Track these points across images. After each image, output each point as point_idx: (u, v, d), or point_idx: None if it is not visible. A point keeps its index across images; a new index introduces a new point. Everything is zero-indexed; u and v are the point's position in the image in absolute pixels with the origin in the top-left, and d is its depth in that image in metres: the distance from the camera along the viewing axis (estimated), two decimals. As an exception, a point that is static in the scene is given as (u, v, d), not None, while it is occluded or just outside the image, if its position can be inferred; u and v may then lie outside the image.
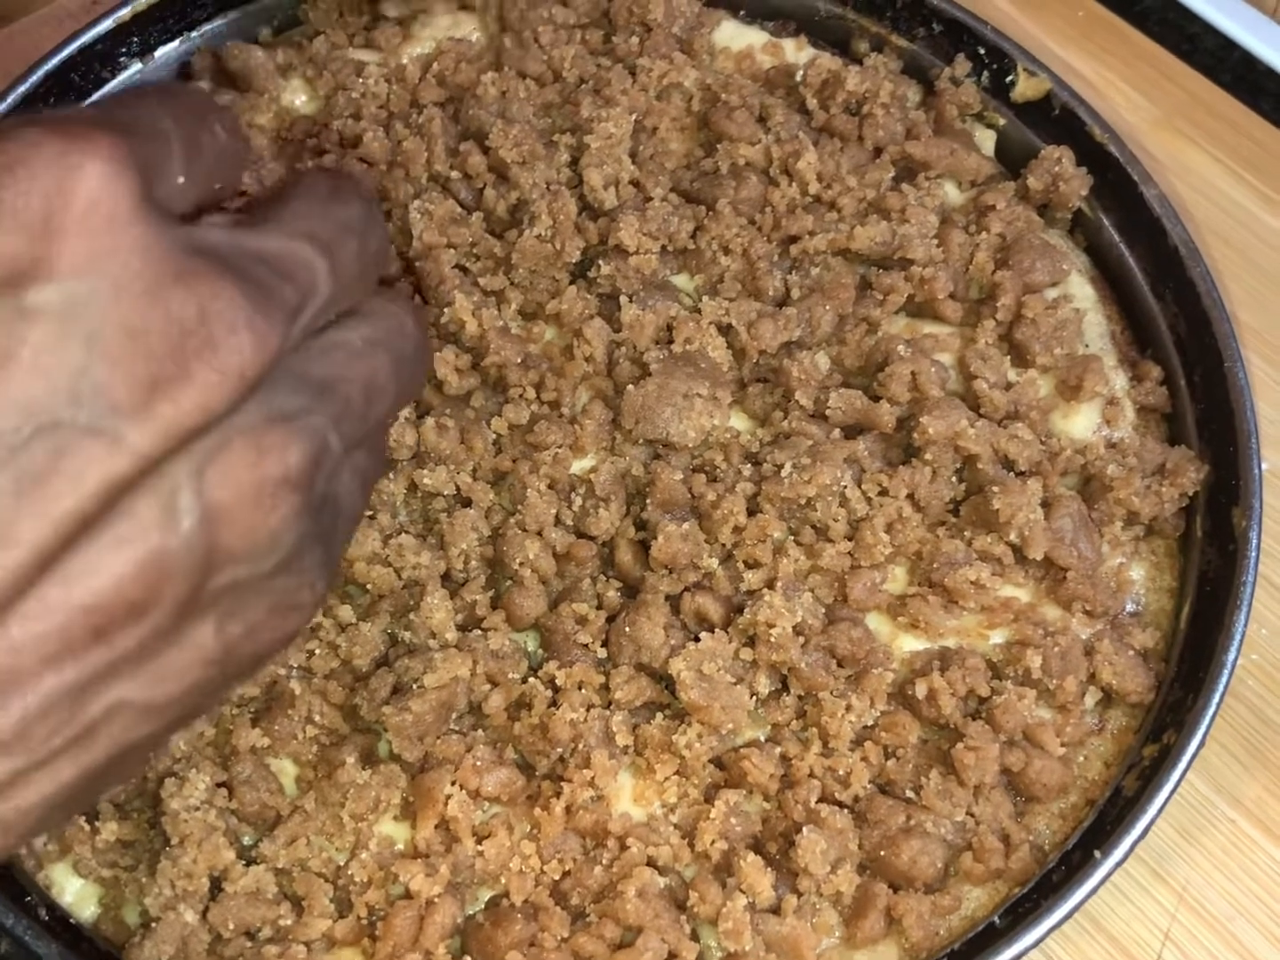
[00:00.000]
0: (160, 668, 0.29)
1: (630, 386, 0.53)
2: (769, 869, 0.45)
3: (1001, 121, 0.62)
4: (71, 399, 0.26)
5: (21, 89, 0.58)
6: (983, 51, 0.62)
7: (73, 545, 0.26)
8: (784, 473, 0.51)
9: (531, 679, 0.48)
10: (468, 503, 0.51)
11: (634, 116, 0.59)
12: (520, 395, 0.53)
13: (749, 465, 0.52)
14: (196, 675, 0.29)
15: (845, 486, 0.50)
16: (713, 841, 0.45)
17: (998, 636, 0.51)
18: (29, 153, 0.27)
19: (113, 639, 0.27)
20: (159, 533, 0.27)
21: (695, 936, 0.45)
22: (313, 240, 0.31)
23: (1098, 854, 0.45)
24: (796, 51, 0.64)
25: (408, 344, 0.33)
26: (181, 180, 0.30)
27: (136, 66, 0.62)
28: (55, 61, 0.59)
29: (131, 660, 0.28)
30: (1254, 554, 0.50)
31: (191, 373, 0.27)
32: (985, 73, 0.63)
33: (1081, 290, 0.58)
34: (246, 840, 0.47)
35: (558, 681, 0.48)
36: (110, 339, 0.27)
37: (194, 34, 0.63)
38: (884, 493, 0.51)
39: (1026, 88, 0.61)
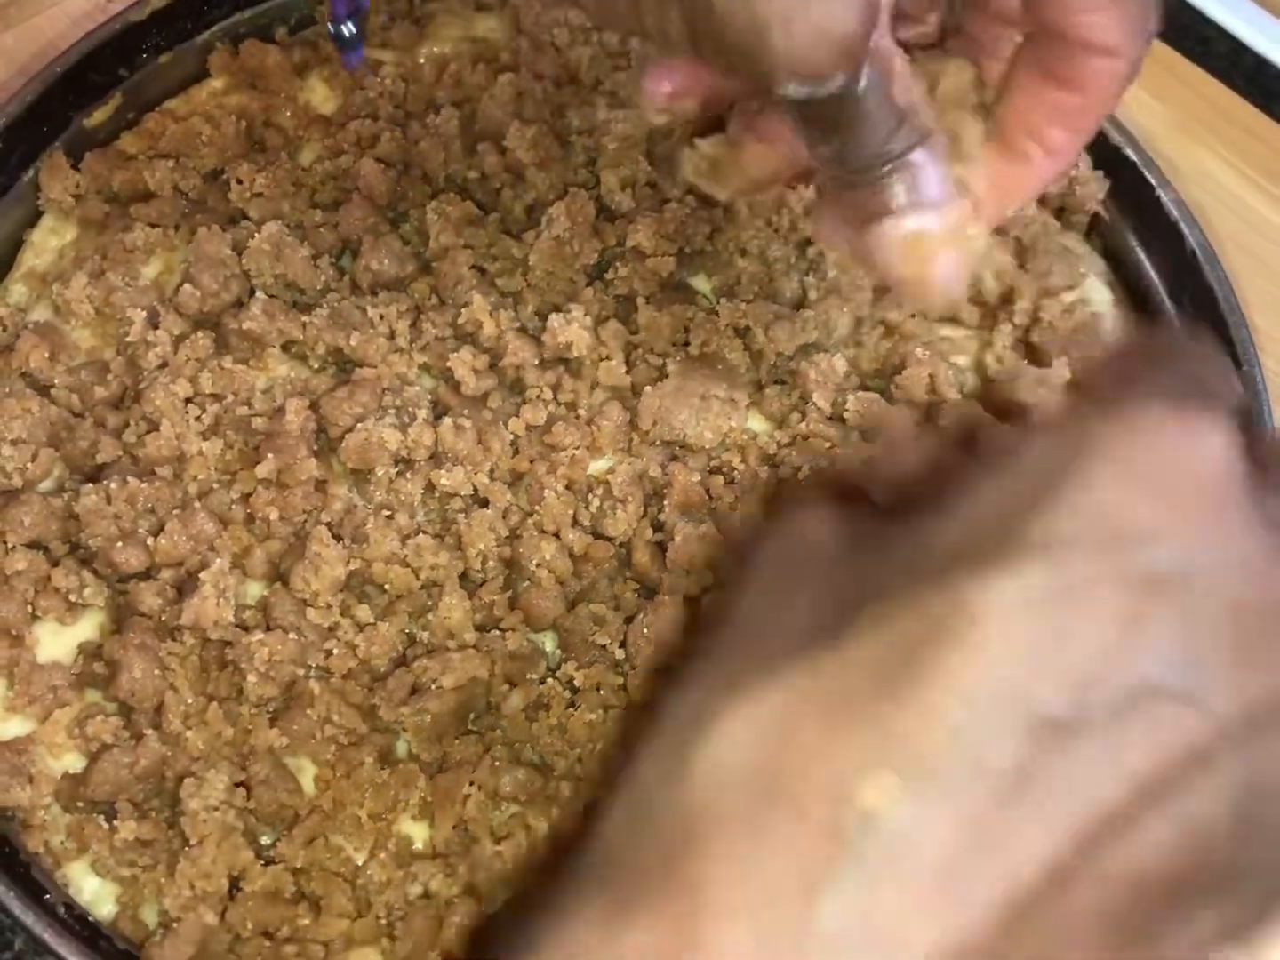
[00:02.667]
0: None
1: (647, 388, 0.53)
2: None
3: (1017, 125, 0.62)
4: (1170, 667, 0.26)
5: (39, 86, 0.58)
6: (999, 54, 0.62)
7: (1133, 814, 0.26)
8: (802, 475, 0.51)
9: (550, 679, 0.49)
10: (485, 503, 0.52)
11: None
12: (538, 396, 0.53)
13: (766, 467, 0.52)
14: None
15: (863, 489, 0.50)
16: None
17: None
18: (1152, 424, 0.28)
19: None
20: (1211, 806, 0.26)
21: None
22: None
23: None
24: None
25: None
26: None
27: (154, 64, 0.62)
28: (72, 59, 0.59)
29: None
30: (1271, 558, 0.50)
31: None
32: (1001, 76, 0.62)
33: (1098, 294, 0.58)
34: (264, 840, 0.47)
35: (576, 682, 0.48)
36: (1214, 613, 0.26)
37: (211, 32, 0.63)
38: (901, 495, 0.51)
39: (1043, 91, 0.61)
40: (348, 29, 0.56)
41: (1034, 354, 0.55)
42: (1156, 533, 0.27)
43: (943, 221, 0.39)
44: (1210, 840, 0.26)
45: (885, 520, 0.32)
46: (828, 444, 0.52)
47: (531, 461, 0.52)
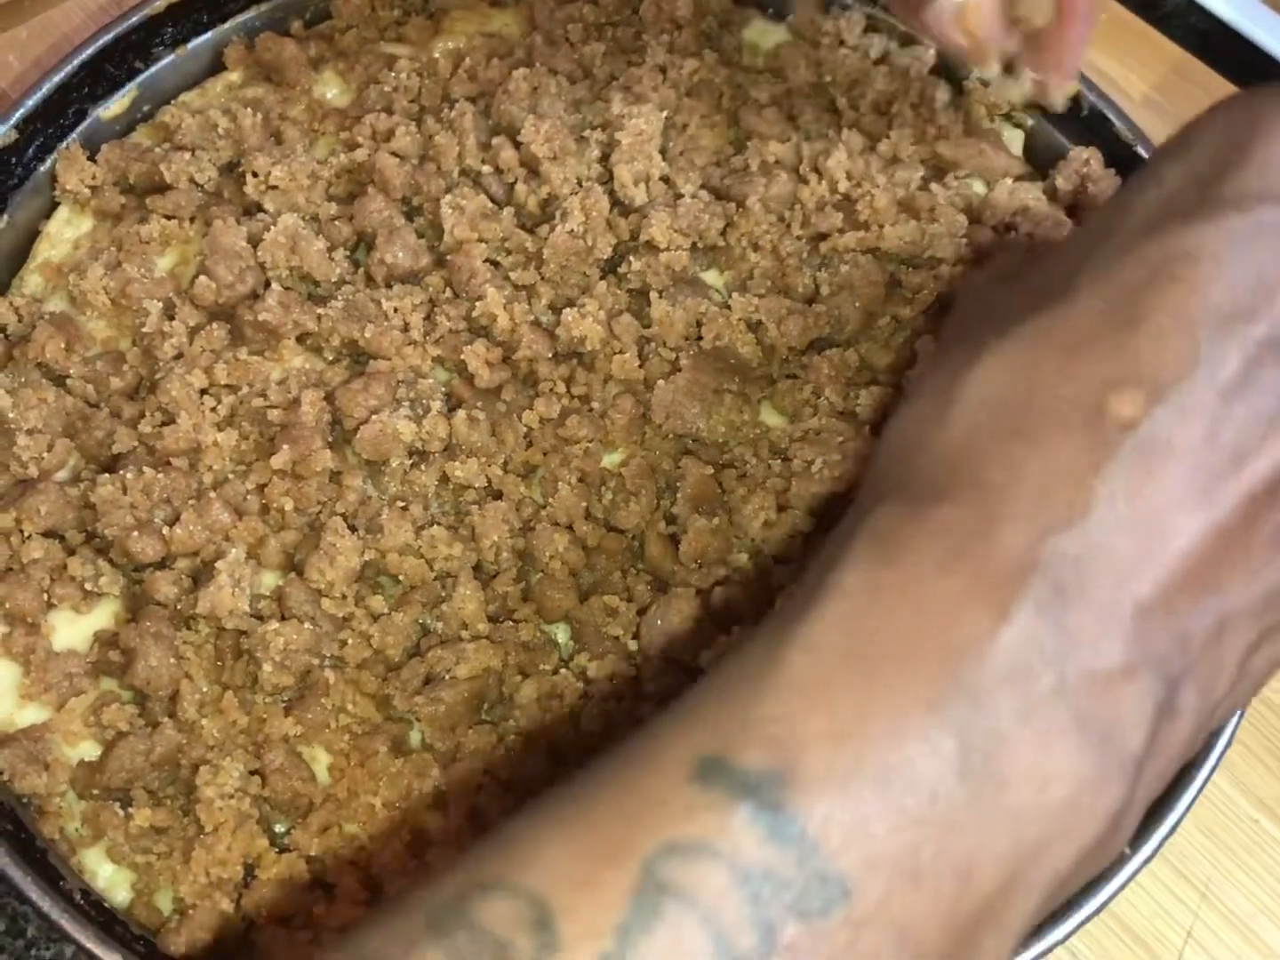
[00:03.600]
0: None
1: (660, 382, 0.53)
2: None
3: (1029, 122, 0.63)
4: None
5: (56, 79, 0.58)
6: (1011, 52, 0.62)
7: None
8: (814, 469, 0.51)
9: (563, 670, 0.49)
10: (499, 495, 0.52)
11: (664, 113, 0.59)
12: (551, 389, 0.54)
13: (779, 461, 0.52)
14: None
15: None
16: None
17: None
18: None
19: None
20: None
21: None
22: None
23: (1127, 850, 0.45)
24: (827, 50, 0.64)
25: None
26: None
27: (170, 57, 0.62)
28: (89, 53, 0.59)
29: None
30: (1281, 554, 0.50)
31: None
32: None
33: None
34: (279, 828, 0.47)
35: (589, 673, 0.48)
36: None
37: (227, 25, 0.63)
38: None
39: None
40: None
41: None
42: None
43: None
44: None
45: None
46: (840, 438, 0.52)
47: (545, 454, 0.52)
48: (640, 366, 0.54)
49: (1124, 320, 0.31)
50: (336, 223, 0.57)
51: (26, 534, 0.50)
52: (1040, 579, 0.29)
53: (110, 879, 0.47)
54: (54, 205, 0.59)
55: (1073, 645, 0.29)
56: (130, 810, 0.46)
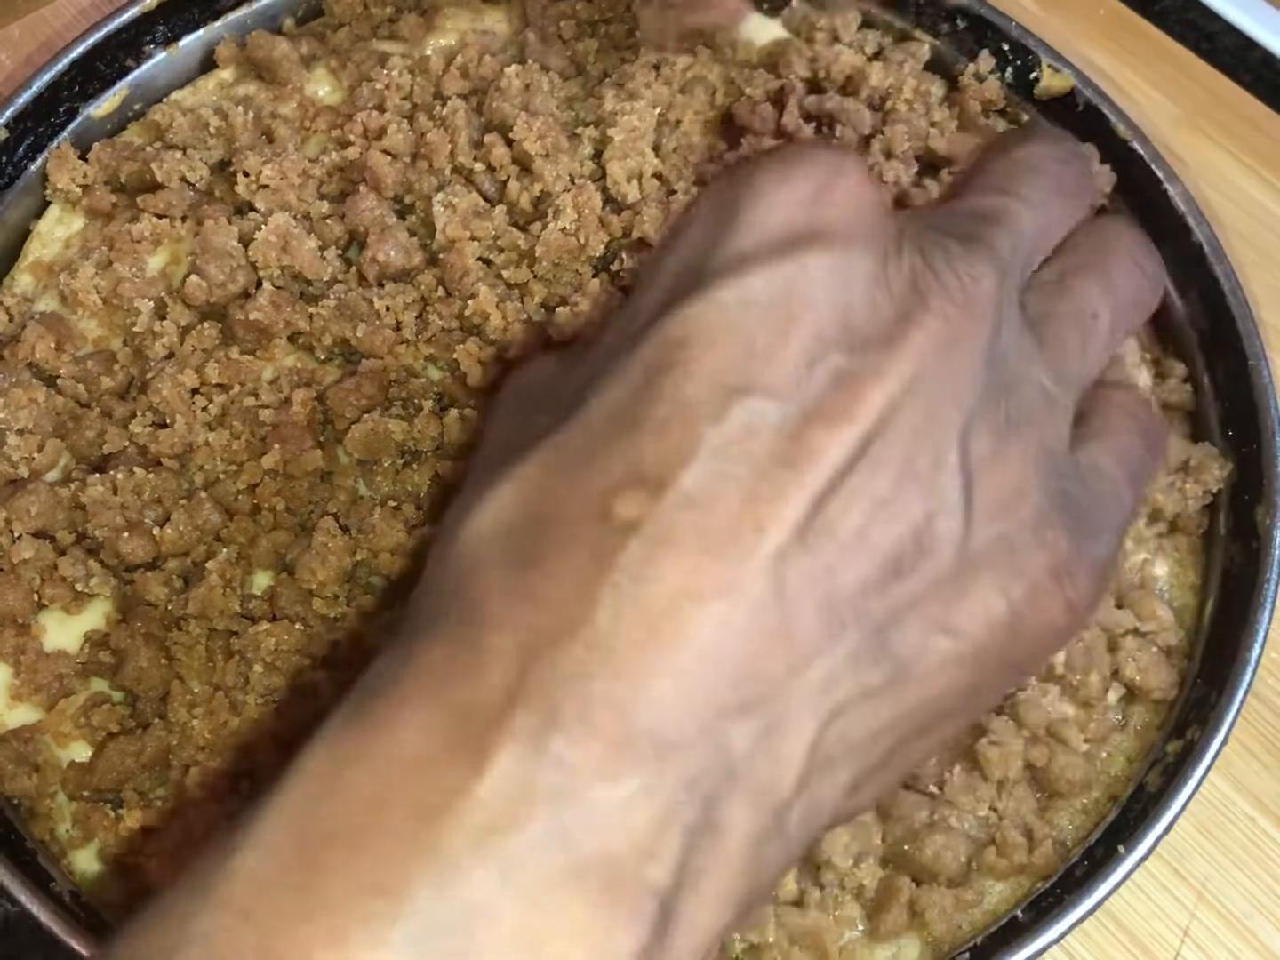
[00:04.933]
0: None
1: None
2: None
3: (1025, 117, 0.62)
4: (841, 335, 0.30)
5: (46, 77, 0.58)
6: (1007, 48, 0.62)
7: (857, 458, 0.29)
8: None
9: (555, 671, 0.48)
10: (491, 494, 0.51)
11: (657, 110, 0.59)
12: (544, 388, 0.53)
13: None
14: None
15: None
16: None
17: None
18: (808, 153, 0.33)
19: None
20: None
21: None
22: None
23: (1122, 849, 0.45)
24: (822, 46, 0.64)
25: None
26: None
27: (161, 55, 0.62)
28: (80, 50, 0.59)
29: None
30: (1278, 551, 0.50)
31: (928, 308, 0.31)
32: (1009, 69, 0.63)
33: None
34: (270, 829, 0.47)
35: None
36: (861, 289, 0.30)
37: (218, 23, 0.63)
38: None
39: (1051, 84, 0.62)
40: None
41: None
42: (828, 229, 0.31)
43: None
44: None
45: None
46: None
47: (537, 453, 0.52)
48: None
49: (629, 423, 0.29)
50: (328, 221, 0.57)
51: (16, 534, 0.50)
52: (527, 710, 0.26)
53: (100, 881, 0.47)
54: (45, 204, 0.59)
55: (570, 778, 0.25)
56: (120, 812, 0.46)
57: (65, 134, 0.60)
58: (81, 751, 0.48)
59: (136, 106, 0.62)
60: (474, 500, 0.30)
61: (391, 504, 0.51)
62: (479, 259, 0.55)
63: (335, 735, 0.28)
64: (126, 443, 0.52)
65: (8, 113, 0.57)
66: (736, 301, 0.30)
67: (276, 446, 0.51)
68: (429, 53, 0.62)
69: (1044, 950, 0.44)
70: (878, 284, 0.31)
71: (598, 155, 0.58)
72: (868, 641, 0.29)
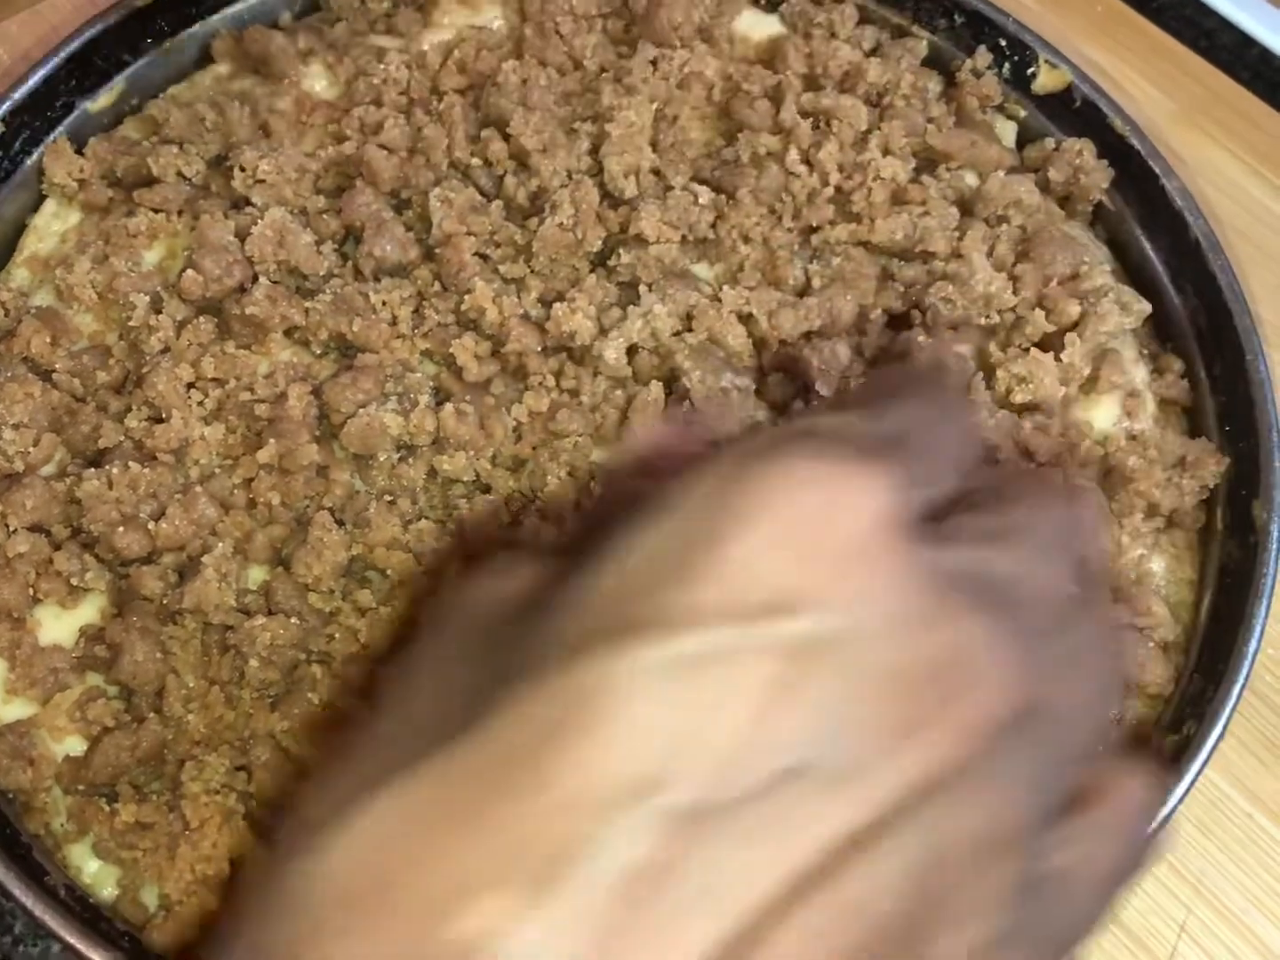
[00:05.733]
0: None
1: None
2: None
3: (1022, 113, 0.62)
4: (819, 744, 0.25)
5: (43, 71, 0.58)
6: (1004, 43, 0.62)
7: (790, 903, 0.24)
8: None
9: (551, 665, 0.48)
10: (487, 489, 0.51)
11: (655, 105, 0.59)
12: (540, 383, 0.53)
13: (769, 454, 0.52)
14: None
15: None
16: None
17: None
18: (804, 472, 0.27)
19: None
20: (875, 894, 0.24)
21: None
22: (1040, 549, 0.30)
23: (1118, 844, 0.45)
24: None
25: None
26: (934, 490, 0.29)
27: (157, 51, 0.62)
28: (76, 45, 0.59)
29: None
30: (1275, 546, 0.50)
31: (941, 719, 0.25)
32: (1006, 65, 0.63)
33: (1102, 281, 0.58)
34: (265, 824, 0.47)
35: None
36: (866, 681, 0.25)
37: (214, 18, 0.63)
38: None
39: (1048, 80, 0.62)
40: None
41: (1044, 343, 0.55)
42: (805, 598, 0.26)
43: None
44: (881, 917, 0.24)
45: (559, 563, 0.30)
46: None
47: (534, 448, 0.52)
48: (630, 360, 0.54)
49: (516, 786, 0.24)
50: (324, 216, 0.57)
51: (12, 529, 0.50)
52: None
53: (96, 875, 0.47)
54: (41, 198, 0.59)
55: None
56: (116, 806, 0.46)
57: (62, 128, 0.60)
58: (77, 746, 0.48)
59: (133, 101, 0.62)
60: (342, 819, 0.26)
61: (387, 498, 0.51)
62: (476, 254, 0.55)
63: None
64: (122, 437, 0.52)
65: (4, 107, 0.57)
66: (670, 668, 0.25)
67: (272, 441, 0.51)
68: (426, 48, 0.62)
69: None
70: (890, 676, 0.26)
71: (595, 150, 0.58)
72: None
